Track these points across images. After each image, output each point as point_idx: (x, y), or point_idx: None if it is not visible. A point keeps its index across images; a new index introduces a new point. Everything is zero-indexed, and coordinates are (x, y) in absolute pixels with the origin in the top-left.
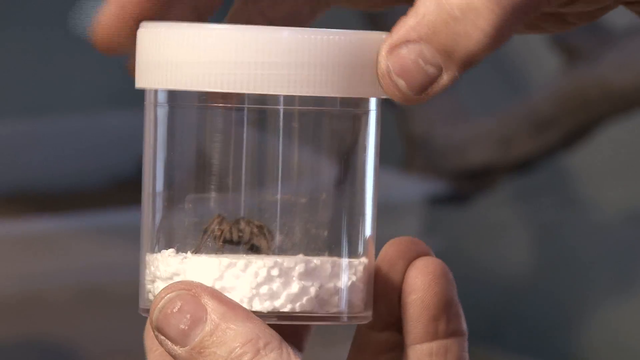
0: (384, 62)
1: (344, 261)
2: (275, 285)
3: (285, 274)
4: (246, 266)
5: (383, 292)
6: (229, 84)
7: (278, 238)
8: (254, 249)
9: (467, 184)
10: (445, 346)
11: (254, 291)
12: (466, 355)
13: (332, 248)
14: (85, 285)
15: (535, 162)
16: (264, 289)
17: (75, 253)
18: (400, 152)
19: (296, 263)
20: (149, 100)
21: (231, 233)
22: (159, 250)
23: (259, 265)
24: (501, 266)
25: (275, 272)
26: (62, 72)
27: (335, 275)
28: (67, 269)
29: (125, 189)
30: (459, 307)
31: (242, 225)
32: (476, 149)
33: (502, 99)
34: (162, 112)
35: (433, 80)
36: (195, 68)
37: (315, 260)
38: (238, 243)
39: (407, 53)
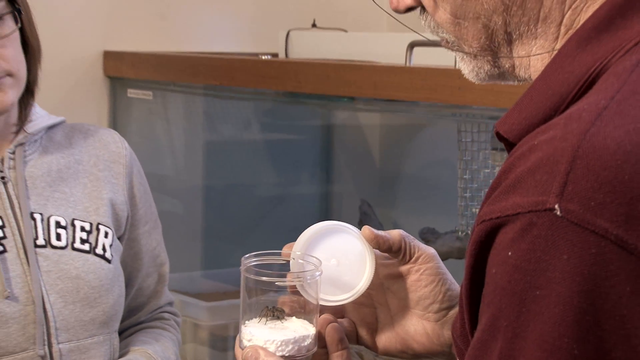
0: None
1: (308, 337)
2: (282, 347)
3: (286, 343)
4: (273, 342)
5: (320, 335)
6: None
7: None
8: (280, 318)
9: None
10: (342, 353)
11: (276, 349)
12: (351, 356)
13: (308, 318)
14: None
15: None
16: (280, 349)
17: None
18: None
19: (289, 341)
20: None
21: (270, 316)
22: (244, 322)
23: (278, 341)
24: None
25: (283, 344)
26: None
27: (304, 340)
28: None
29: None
30: (345, 339)
31: (275, 311)
32: None
33: None
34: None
35: None
36: None
37: (298, 337)
38: (273, 317)
39: None
